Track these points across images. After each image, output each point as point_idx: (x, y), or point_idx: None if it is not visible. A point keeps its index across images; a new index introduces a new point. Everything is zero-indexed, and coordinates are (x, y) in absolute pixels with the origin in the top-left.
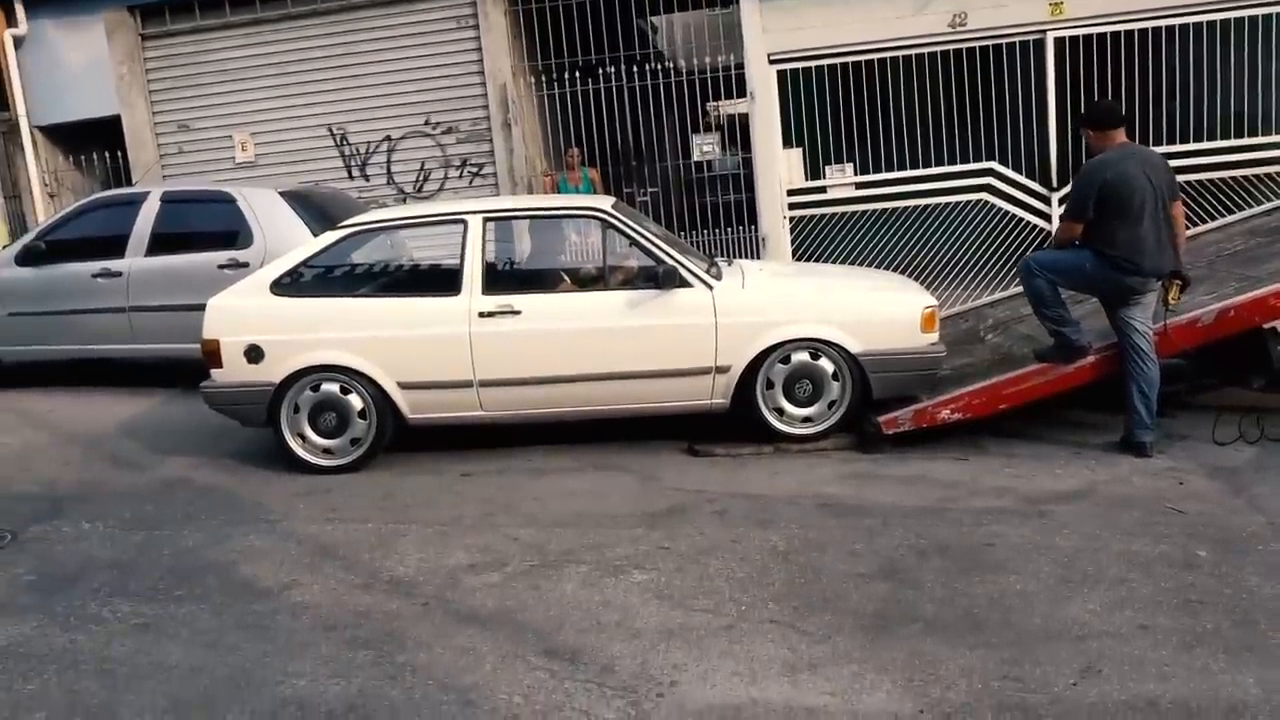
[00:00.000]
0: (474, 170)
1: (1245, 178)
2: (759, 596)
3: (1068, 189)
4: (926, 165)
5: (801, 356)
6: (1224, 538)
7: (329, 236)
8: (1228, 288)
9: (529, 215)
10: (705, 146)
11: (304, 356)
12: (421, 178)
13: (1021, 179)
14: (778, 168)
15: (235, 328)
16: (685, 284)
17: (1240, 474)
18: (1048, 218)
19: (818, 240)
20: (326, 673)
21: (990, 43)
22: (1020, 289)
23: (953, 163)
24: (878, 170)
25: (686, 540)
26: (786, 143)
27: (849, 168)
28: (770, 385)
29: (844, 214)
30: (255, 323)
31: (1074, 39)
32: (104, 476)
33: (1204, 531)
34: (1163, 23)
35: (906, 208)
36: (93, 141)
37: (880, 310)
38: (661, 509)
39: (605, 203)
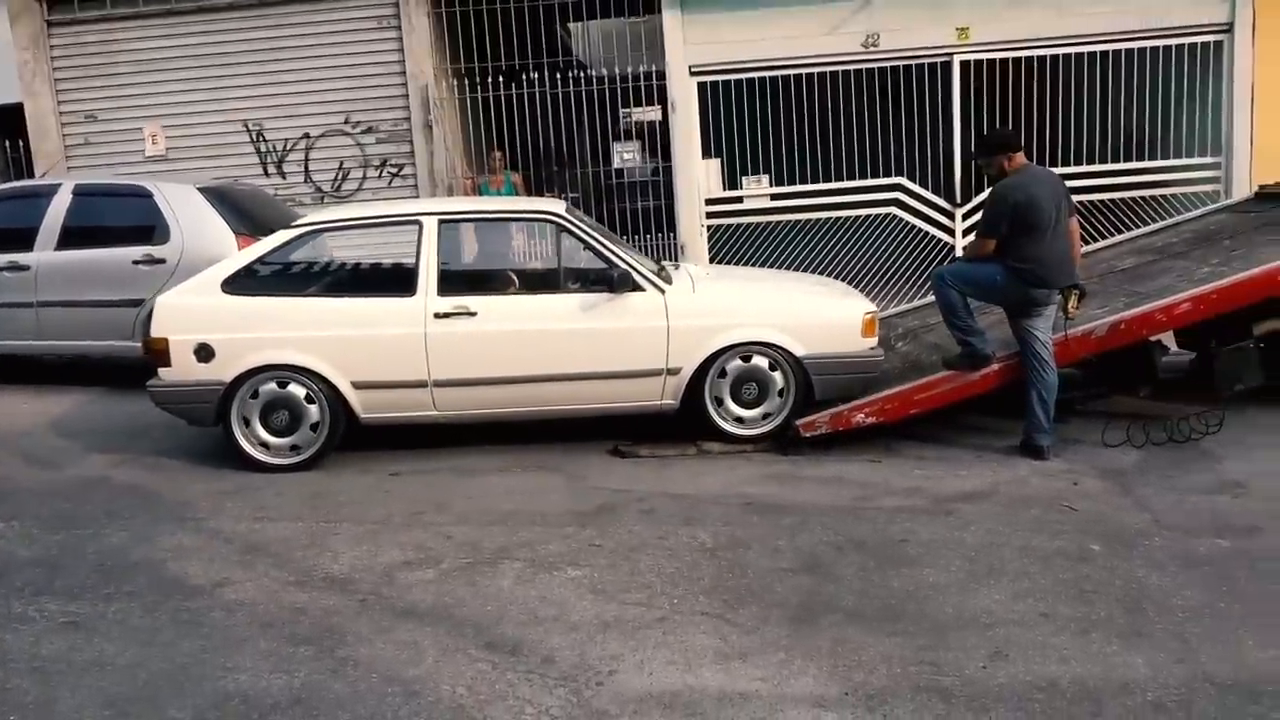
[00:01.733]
0: (394, 171)
1: (1133, 199)
2: (689, 590)
3: (971, 205)
4: (839, 179)
5: (749, 359)
6: (1114, 533)
7: (281, 235)
8: (1118, 302)
9: (484, 218)
10: (626, 154)
11: (256, 355)
12: (340, 176)
13: (928, 195)
14: (696, 176)
15: (185, 326)
16: (638, 288)
17: (1128, 475)
18: (952, 232)
19: (734, 248)
20: (268, 667)
21: (900, 63)
22: (928, 299)
23: (864, 177)
24: (793, 182)
25: (617, 538)
26: (705, 153)
27: (765, 179)
28: (719, 387)
29: (760, 223)
30: (206, 321)
31: (979, 63)
32: (17, 475)
33: (1096, 528)
34: (1059, 51)
35: (820, 219)
36: None
37: (824, 315)
38: (591, 508)
39: (558, 206)
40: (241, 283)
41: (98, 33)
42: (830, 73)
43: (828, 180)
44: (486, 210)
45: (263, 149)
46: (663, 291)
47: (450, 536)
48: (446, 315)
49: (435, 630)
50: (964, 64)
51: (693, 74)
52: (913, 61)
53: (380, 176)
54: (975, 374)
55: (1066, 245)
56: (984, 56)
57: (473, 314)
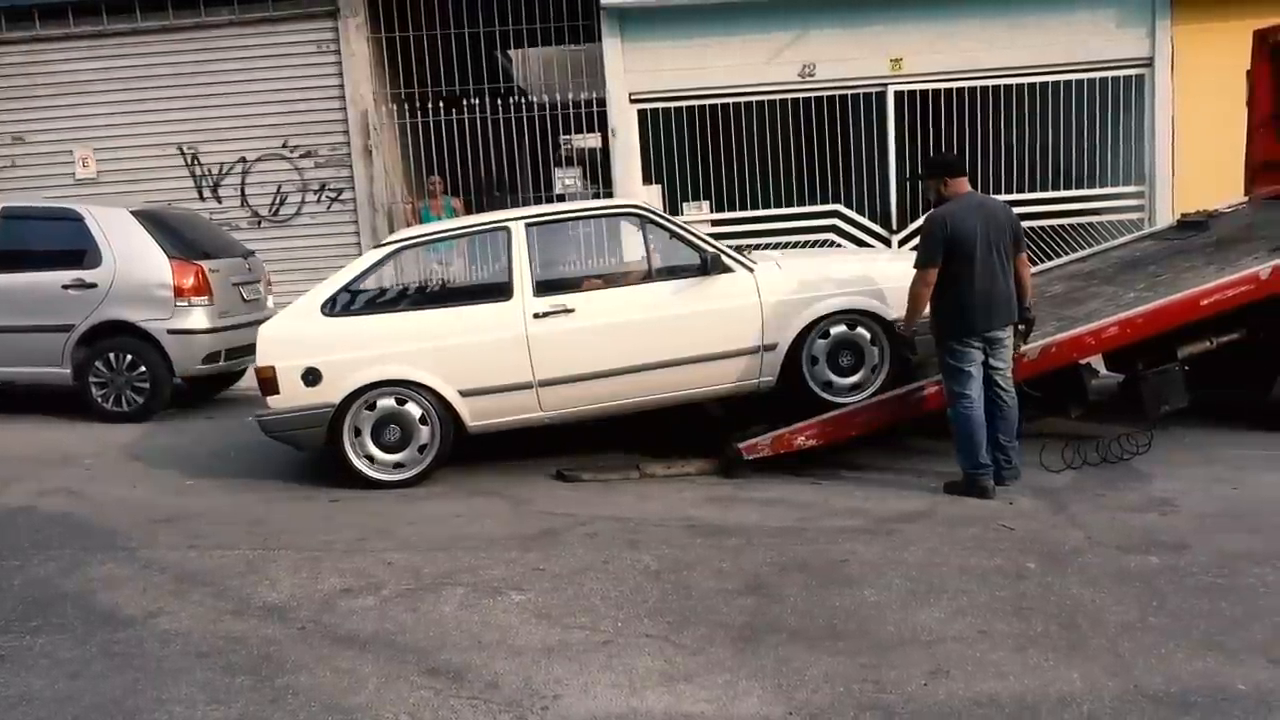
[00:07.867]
0: (333, 195)
1: (1061, 226)
2: (633, 613)
3: (907, 231)
4: (778, 205)
5: (841, 329)
6: (1049, 551)
7: (373, 255)
8: (1049, 326)
9: (568, 217)
10: (567, 180)
11: (363, 374)
12: (278, 201)
13: (864, 221)
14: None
15: (290, 352)
16: (728, 269)
17: (1061, 494)
18: None
19: None
20: (204, 698)
21: (837, 93)
22: None
23: (802, 204)
24: (733, 208)
25: (560, 561)
26: (646, 179)
27: (705, 205)
28: (815, 359)
29: None
30: (309, 345)
31: (912, 93)
32: None
33: (1032, 546)
34: (989, 82)
35: (760, 244)
36: None
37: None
38: (534, 532)
39: (637, 200)
40: (339, 305)
41: (24, 53)
42: (768, 101)
43: (767, 206)
44: (571, 210)
45: (198, 172)
46: (751, 270)
47: (391, 563)
48: (545, 315)
49: (377, 657)
50: (898, 94)
51: (633, 101)
52: (849, 91)
53: (319, 201)
54: (914, 397)
55: (1004, 281)
56: (917, 87)
57: (570, 311)
